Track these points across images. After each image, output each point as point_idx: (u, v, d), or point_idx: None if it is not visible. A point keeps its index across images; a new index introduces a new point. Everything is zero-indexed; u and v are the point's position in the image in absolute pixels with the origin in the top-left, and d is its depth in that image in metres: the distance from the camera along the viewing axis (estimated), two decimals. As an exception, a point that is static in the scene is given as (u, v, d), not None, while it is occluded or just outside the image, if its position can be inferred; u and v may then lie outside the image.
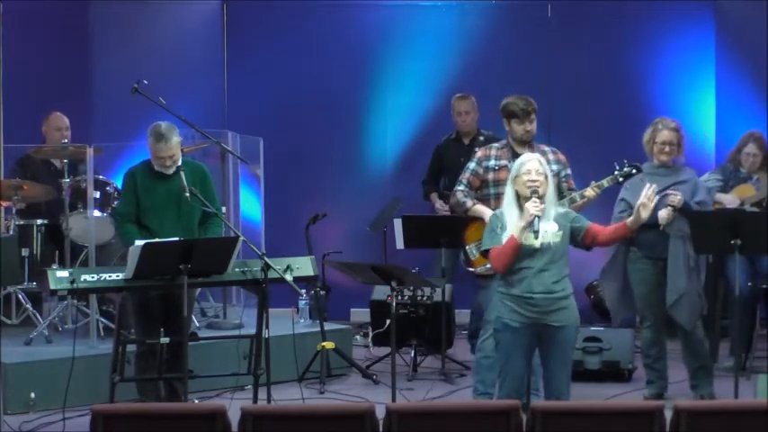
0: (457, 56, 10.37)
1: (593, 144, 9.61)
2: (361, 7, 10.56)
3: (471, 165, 7.21)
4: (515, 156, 7.09)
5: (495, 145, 7.29)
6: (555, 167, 7.05)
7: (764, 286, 8.35)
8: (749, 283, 8.24)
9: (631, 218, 6.14)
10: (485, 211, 6.98)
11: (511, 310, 6.02)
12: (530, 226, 5.90)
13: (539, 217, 5.90)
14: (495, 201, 7.03)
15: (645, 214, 6.08)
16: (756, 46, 9.85)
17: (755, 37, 9.86)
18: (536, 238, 5.91)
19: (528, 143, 7.16)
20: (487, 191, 7.12)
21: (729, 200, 8.28)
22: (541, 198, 5.95)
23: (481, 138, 8.98)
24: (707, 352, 7.52)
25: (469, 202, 7.12)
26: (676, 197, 7.19)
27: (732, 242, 6.81)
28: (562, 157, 7.27)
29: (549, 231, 5.96)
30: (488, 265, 6.96)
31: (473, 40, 10.40)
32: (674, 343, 7.68)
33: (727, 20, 10.18)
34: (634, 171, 7.01)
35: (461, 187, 7.18)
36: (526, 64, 10.30)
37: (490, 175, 7.10)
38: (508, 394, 6.03)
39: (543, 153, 7.14)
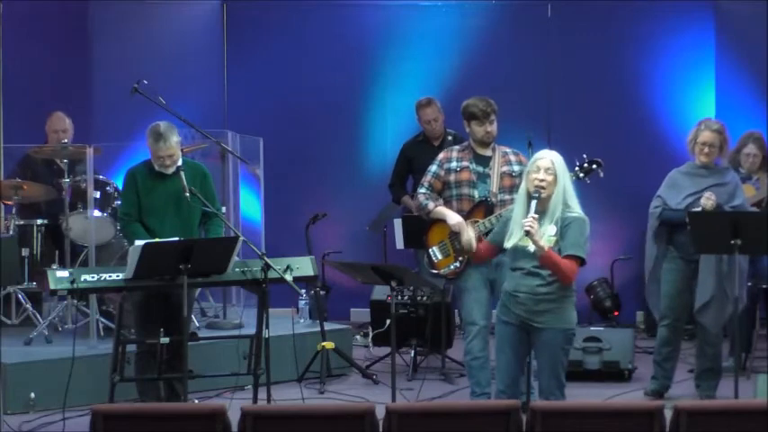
0: (457, 56, 10.37)
1: (593, 144, 9.58)
2: (360, 7, 10.56)
3: (433, 167, 7.21)
4: (477, 157, 7.12)
5: (457, 147, 7.29)
6: (516, 168, 7.05)
7: (764, 286, 8.36)
8: (749, 283, 8.24)
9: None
10: (447, 213, 7.00)
11: (503, 304, 6.13)
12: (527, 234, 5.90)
13: (528, 232, 5.88)
14: (457, 202, 7.05)
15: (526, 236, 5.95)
16: (756, 46, 9.86)
17: (755, 37, 9.86)
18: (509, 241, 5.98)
19: (489, 144, 7.15)
20: (450, 192, 7.12)
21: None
22: (538, 202, 5.92)
23: (449, 138, 8.94)
24: (720, 356, 7.50)
25: (431, 205, 7.11)
26: (709, 200, 7.18)
27: (732, 242, 6.81)
28: (523, 158, 7.24)
29: (546, 235, 5.95)
30: (452, 267, 6.98)
31: (473, 40, 10.40)
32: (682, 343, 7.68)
33: (727, 20, 10.18)
34: (594, 166, 6.99)
35: (423, 190, 7.18)
36: (526, 64, 10.30)
37: (452, 177, 7.10)
38: (502, 390, 6.09)
39: (504, 154, 7.15)
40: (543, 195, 5.94)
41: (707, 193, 7.22)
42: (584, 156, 6.97)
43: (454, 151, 7.21)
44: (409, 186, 9.26)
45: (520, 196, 6.09)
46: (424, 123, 9.06)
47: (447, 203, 7.09)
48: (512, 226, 6.05)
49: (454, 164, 7.12)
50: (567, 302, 6.04)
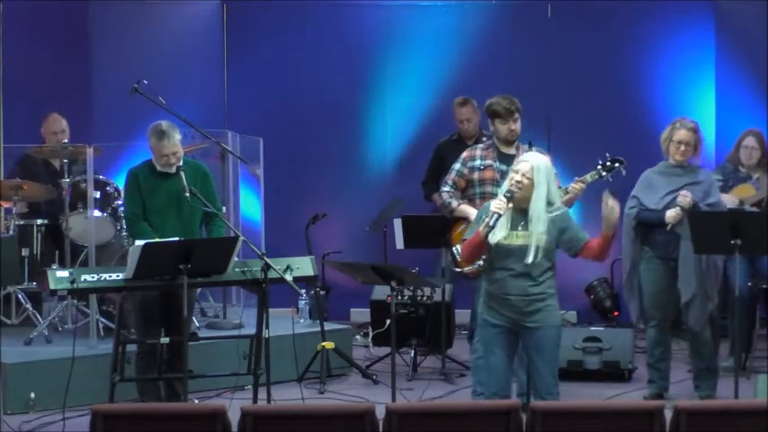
0: (457, 56, 10.37)
1: (593, 144, 9.59)
2: (361, 7, 10.56)
3: (457, 165, 7.22)
4: (500, 156, 7.12)
5: (481, 145, 7.31)
6: None
7: (764, 286, 8.36)
8: (749, 283, 8.25)
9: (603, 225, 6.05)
10: (470, 212, 7.00)
11: (489, 307, 6.09)
12: (492, 220, 5.91)
13: (499, 214, 5.90)
14: (480, 200, 7.06)
15: (612, 217, 6.01)
16: (756, 46, 9.86)
17: (755, 37, 9.86)
18: (488, 232, 5.92)
19: (512, 143, 7.16)
20: (473, 191, 7.13)
21: (727, 199, 8.27)
22: (510, 199, 5.94)
23: (484, 138, 8.96)
24: (713, 354, 7.50)
25: (455, 203, 7.13)
26: (686, 198, 7.19)
27: (732, 242, 6.81)
28: (548, 156, 7.24)
29: (534, 233, 5.96)
30: (475, 265, 6.98)
31: (473, 40, 10.40)
32: (677, 344, 7.68)
33: (727, 20, 10.18)
34: (617, 165, 7.02)
35: (447, 188, 7.18)
36: (526, 64, 10.30)
37: (475, 175, 7.11)
38: (496, 392, 6.07)
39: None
40: (517, 195, 5.95)
41: (683, 192, 7.22)
42: (607, 155, 7.01)
43: (478, 149, 7.23)
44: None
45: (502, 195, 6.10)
46: (458, 122, 9.10)
47: (470, 202, 7.09)
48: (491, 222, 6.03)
49: (478, 162, 7.14)
50: (555, 300, 6.08)
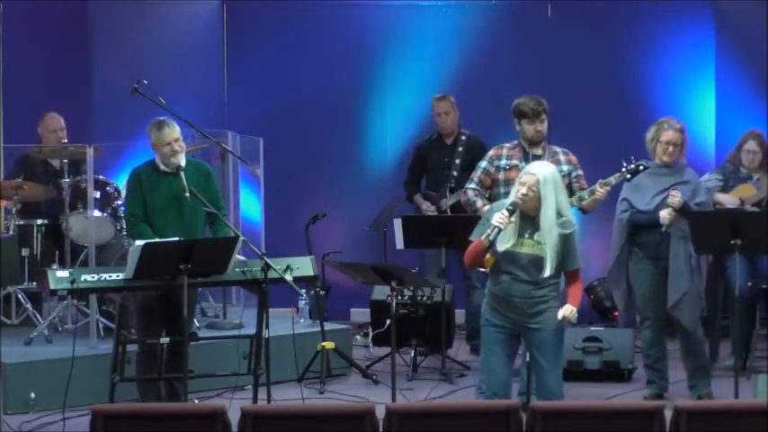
0: (457, 56, 10.37)
1: (593, 144, 9.61)
2: (361, 7, 10.55)
3: (483, 163, 7.24)
4: (526, 156, 7.13)
5: (507, 144, 7.33)
6: (566, 168, 7.06)
7: (764, 286, 8.36)
8: (749, 283, 8.25)
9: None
10: None
11: (492, 307, 6.12)
12: (492, 233, 5.92)
13: (500, 229, 5.90)
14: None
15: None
16: (756, 46, 9.85)
17: (755, 37, 9.86)
18: (489, 245, 5.94)
19: (539, 143, 7.16)
20: (498, 190, 7.15)
21: (729, 200, 8.28)
22: (513, 213, 5.94)
23: (463, 137, 9.01)
24: (706, 352, 7.52)
25: (480, 203, 7.14)
26: (676, 198, 7.19)
27: (732, 242, 6.81)
28: (573, 158, 7.30)
29: (537, 242, 5.96)
30: None
31: (473, 40, 10.40)
32: (674, 343, 7.69)
33: (727, 20, 10.18)
34: (641, 168, 7.05)
35: (473, 185, 7.20)
36: (526, 64, 10.30)
37: (501, 175, 7.13)
38: (495, 392, 6.08)
39: (554, 154, 7.17)
40: (523, 207, 5.96)
41: (673, 192, 7.22)
42: (632, 157, 7.03)
43: (504, 149, 7.24)
44: (423, 185, 9.30)
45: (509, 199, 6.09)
46: (435, 116, 9.20)
47: (495, 201, 7.10)
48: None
49: (503, 161, 7.16)
50: (557, 301, 6.11)
